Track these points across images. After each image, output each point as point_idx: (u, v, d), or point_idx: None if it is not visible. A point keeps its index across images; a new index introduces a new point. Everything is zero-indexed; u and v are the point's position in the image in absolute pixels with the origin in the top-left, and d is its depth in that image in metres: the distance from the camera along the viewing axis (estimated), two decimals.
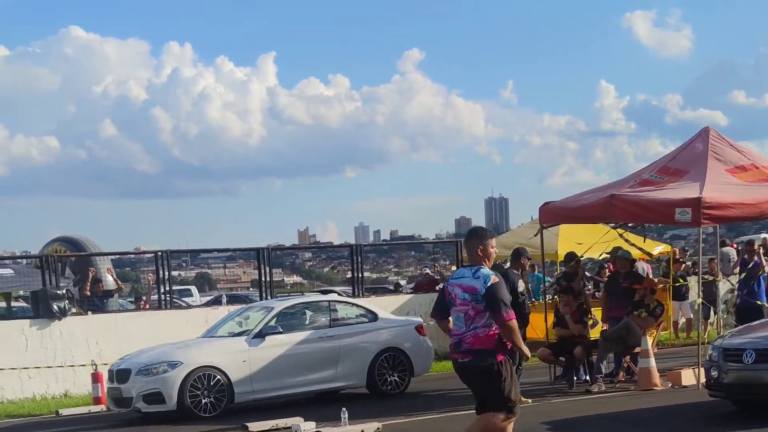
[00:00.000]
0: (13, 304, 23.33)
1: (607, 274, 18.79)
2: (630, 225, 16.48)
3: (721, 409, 11.28)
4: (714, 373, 10.95)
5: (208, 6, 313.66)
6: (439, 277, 24.22)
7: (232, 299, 28.54)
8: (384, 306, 18.06)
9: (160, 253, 19.63)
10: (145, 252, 25.39)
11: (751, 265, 16.77)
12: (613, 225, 16.21)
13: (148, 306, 20.55)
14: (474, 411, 8.25)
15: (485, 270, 8.04)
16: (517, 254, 14.04)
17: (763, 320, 12.71)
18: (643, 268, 18.04)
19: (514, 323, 7.91)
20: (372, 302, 18.17)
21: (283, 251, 47.98)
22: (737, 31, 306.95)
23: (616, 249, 16.17)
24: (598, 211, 14.53)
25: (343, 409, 11.65)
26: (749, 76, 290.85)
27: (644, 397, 13.20)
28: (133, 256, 30.31)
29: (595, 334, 15.55)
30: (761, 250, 17.27)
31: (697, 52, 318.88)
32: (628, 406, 12.49)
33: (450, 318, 8.40)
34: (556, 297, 21.03)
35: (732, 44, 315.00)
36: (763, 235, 26.51)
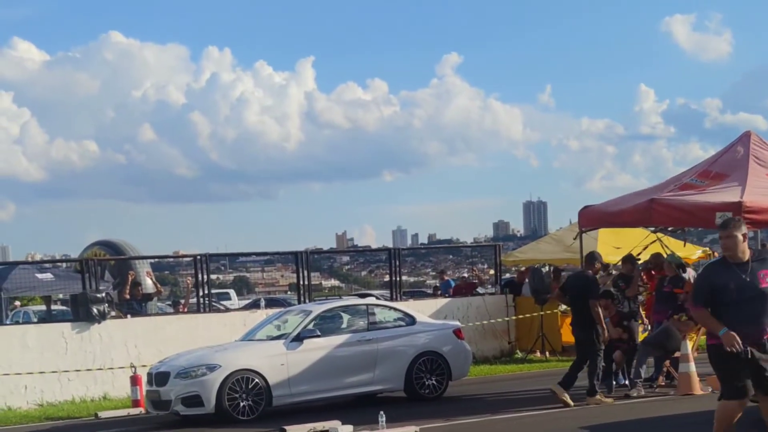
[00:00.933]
0: (53, 307, 23.61)
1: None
2: (670, 229, 16.33)
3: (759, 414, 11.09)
4: None
5: (248, 10, 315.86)
6: (477, 281, 24.16)
7: (270, 303, 28.68)
8: (422, 310, 18.03)
9: (198, 257, 19.74)
10: (184, 255, 25.54)
11: None
12: (652, 229, 16.08)
13: (186, 309, 20.67)
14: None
15: None
16: (592, 258, 14.05)
17: None
18: (691, 273, 17.87)
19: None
20: (410, 306, 18.15)
21: (321, 255, 48.18)
22: None
23: (657, 254, 16.03)
24: (638, 215, 14.43)
25: (381, 412, 11.64)
26: None
27: (684, 402, 13.07)
28: (172, 259, 30.50)
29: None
30: None
31: (737, 56, 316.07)
32: (667, 411, 12.37)
33: None
34: None
35: None
36: None
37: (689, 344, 14.09)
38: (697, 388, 13.74)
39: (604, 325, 13.52)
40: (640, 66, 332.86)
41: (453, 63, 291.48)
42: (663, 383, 14.64)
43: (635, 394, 13.95)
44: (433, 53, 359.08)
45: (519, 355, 21.07)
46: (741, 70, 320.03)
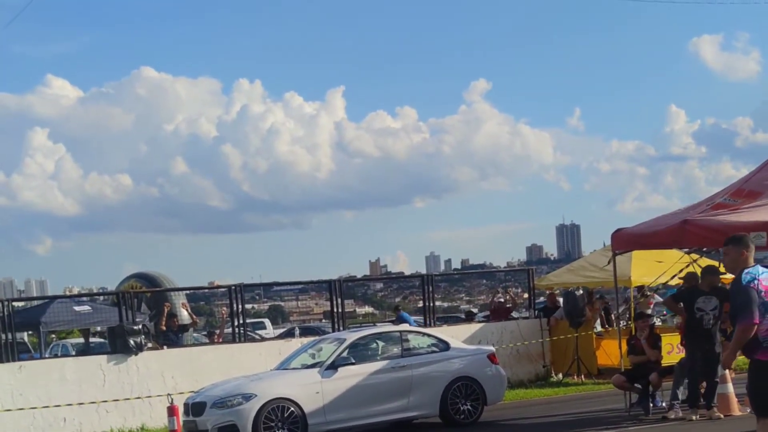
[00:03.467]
0: (91, 340, 23.83)
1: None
2: (705, 249, 16.22)
3: None
4: None
5: (278, 41, 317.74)
6: (511, 305, 24.11)
7: (305, 331, 28.79)
8: (455, 335, 18.02)
9: (233, 287, 19.85)
10: (219, 286, 25.66)
11: None
12: (687, 250, 15.98)
13: (221, 339, 20.78)
14: None
15: None
16: (713, 270, 14.09)
17: None
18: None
19: None
20: (443, 331, 18.14)
21: (355, 282, 48.19)
22: None
23: (692, 274, 15.92)
24: (671, 236, 14.32)
25: None
26: None
27: (723, 424, 12.97)
28: (207, 290, 30.66)
29: (670, 360, 15.33)
30: None
31: (765, 75, 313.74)
32: None
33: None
34: (630, 322, 20.86)
35: None
36: None
37: None
38: (736, 409, 13.62)
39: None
40: (670, 87, 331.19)
41: (481, 89, 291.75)
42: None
43: (673, 416, 13.84)
44: (461, 80, 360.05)
45: (554, 378, 20.97)
46: None
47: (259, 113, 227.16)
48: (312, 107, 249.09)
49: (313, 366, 14.88)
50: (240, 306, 19.74)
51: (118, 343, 17.91)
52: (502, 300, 24.42)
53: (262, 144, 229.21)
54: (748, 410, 13.44)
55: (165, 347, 18.88)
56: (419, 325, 20.71)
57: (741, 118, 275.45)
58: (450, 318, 34.51)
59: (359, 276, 69.18)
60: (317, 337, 17.84)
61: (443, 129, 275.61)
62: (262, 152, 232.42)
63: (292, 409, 14.00)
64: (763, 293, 8.26)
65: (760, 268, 8.59)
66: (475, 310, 38.34)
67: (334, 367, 14.54)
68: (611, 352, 19.19)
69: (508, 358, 20.49)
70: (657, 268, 17.95)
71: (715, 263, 16.50)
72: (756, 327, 8.26)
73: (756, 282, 8.32)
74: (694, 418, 13.62)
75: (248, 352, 18.80)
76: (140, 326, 18.15)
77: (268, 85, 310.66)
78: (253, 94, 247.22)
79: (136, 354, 17.72)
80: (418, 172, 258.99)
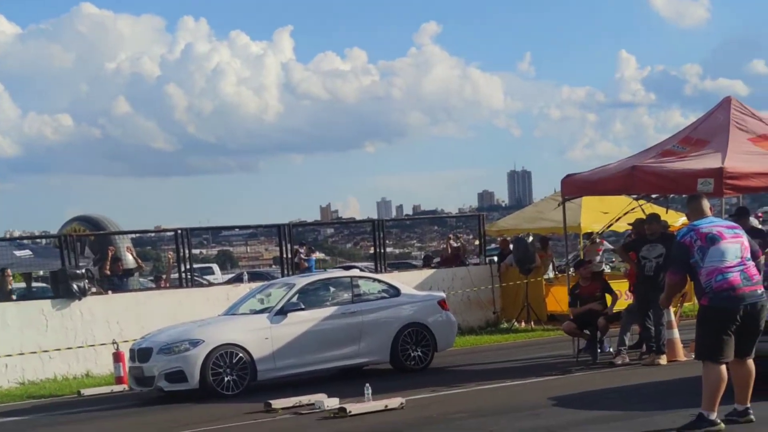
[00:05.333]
0: (33, 284, 23.39)
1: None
2: (653, 196, 16.29)
3: (676, 389, 10.95)
4: None
5: None
6: (462, 252, 24.09)
7: (254, 276, 28.54)
8: (406, 281, 17.97)
9: (180, 231, 19.59)
10: (165, 230, 25.35)
11: None
12: (635, 197, 16.04)
13: (168, 284, 20.53)
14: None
15: None
16: (656, 218, 14.11)
17: None
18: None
19: None
20: (394, 277, 18.07)
21: (305, 227, 47.86)
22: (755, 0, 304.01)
23: (640, 220, 15.96)
24: (620, 182, 14.39)
25: (367, 384, 11.59)
26: None
27: (667, 369, 13.04)
28: (153, 234, 30.34)
29: (619, 306, 15.40)
30: None
31: (714, 22, 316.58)
32: (650, 378, 12.32)
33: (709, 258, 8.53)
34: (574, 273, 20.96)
35: (750, 13, 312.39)
36: None
37: (672, 311, 14.05)
38: (681, 355, 13.73)
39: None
40: (620, 33, 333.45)
41: (431, 32, 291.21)
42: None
43: (620, 362, 13.91)
44: (411, 22, 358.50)
45: (504, 324, 21.04)
46: (719, 36, 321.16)
47: (204, 52, 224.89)
48: (259, 47, 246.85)
49: (262, 311, 14.72)
50: (187, 250, 19.46)
51: (60, 288, 17.63)
52: (455, 245, 24.40)
53: (207, 84, 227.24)
54: (693, 356, 13.60)
55: (110, 292, 18.61)
56: (372, 272, 20.61)
57: (690, 65, 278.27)
58: (402, 264, 34.49)
59: (310, 221, 68.93)
60: (266, 282, 17.67)
61: (393, 72, 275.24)
62: (207, 93, 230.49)
63: (241, 355, 13.85)
64: (698, 241, 8.54)
65: (708, 220, 8.75)
66: (430, 255, 38.34)
67: (283, 312, 14.40)
68: (561, 299, 19.29)
69: (459, 304, 20.51)
70: (606, 216, 18.03)
71: (663, 210, 16.63)
72: (677, 279, 8.83)
73: (691, 234, 8.63)
74: (644, 359, 13.75)
75: (195, 297, 18.60)
76: (84, 270, 17.84)
77: (213, 23, 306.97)
78: (198, 32, 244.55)
79: (80, 299, 17.45)
80: (368, 116, 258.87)
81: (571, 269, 18.18)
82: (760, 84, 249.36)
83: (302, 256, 23.14)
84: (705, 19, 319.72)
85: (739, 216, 15.25)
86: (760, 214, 23.01)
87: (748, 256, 8.69)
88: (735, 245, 8.62)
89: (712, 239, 8.54)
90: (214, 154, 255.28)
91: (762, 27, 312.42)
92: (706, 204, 9.07)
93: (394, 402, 11.47)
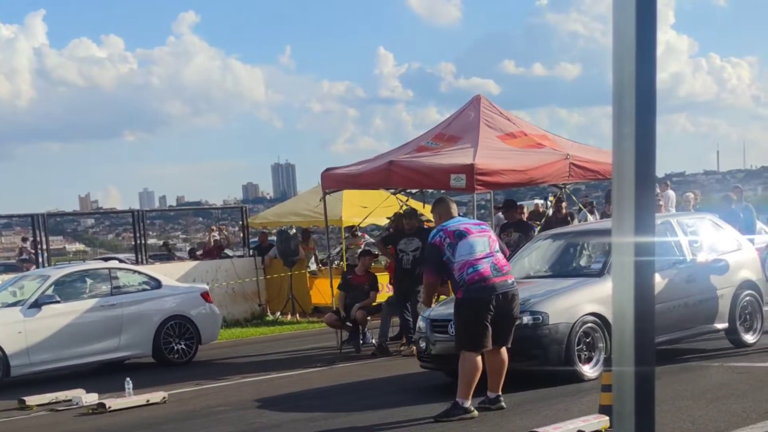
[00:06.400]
0: None
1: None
2: (414, 192, 16.83)
3: (436, 380, 11.15)
4: (423, 345, 10.82)
5: None
6: (225, 243, 24.11)
7: (9, 269, 27.41)
8: (169, 273, 17.84)
9: None
10: None
11: None
12: (393, 191, 16.52)
13: None
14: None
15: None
16: (412, 213, 14.49)
17: None
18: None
19: None
20: (156, 269, 17.89)
21: (63, 217, 46.36)
22: (505, 0, 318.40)
23: (399, 214, 16.52)
24: (378, 177, 14.73)
25: (128, 379, 11.46)
26: (518, 46, 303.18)
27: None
28: None
29: (380, 298, 15.85)
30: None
31: (467, 22, 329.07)
32: (410, 369, 12.73)
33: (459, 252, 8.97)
34: (342, 263, 21.43)
35: (501, 14, 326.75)
36: (535, 201, 27.76)
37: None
38: None
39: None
40: (378, 29, 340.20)
41: (190, 21, 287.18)
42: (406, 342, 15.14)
43: (380, 353, 14.32)
44: (169, 10, 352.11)
45: (270, 317, 21.24)
46: (472, 36, 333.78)
47: None
48: (9, 30, 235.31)
49: (14, 304, 14.24)
50: None
51: None
52: (217, 237, 24.37)
53: None
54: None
55: None
56: (133, 263, 20.29)
57: (444, 63, 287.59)
58: (165, 256, 34.01)
59: (68, 211, 66.63)
60: (18, 274, 17.09)
61: (152, 60, 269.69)
62: None
63: None
64: (447, 239, 9.03)
65: (455, 220, 9.30)
66: (194, 248, 37.97)
67: (37, 305, 14.01)
68: (324, 291, 19.64)
69: (224, 296, 20.53)
70: (365, 210, 18.49)
71: (419, 205, 17.28)
72: (432, 279, 9.31)
73: (440, 234, 9.13)
74: (403, 351, 14.24)
75: None
76: None
77: None
78: None
79: None
80: (127, 104, 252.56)
81: (336, 261, 18.56)
82: (510, 84, 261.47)
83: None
84: (458, 18, 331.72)
85: (507, 208, 16.16)
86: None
87: (497, 248, 9.19)
88: (482, 238, 9.13)
89: (460, 235, 9.03)
90: None
91: (512, 28, 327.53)
92: (452, 206, 9.57)
93: (156, 396, 11.44)
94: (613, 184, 1.71)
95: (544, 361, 10.17)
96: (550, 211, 18.38)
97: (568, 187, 17.12)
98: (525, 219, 16.77)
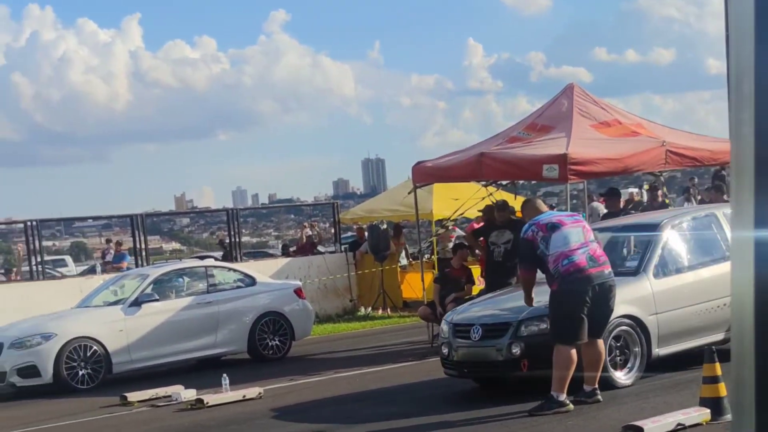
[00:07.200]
0: None
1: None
2: (502, 183, 16.69)
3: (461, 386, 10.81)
4: (445, 351, 10.29)
5: None
6: (317, 240, 24.26)
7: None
8: (262, 270, 17.99)
9: (29, 223, 19.12)
10: (14, 222, 24.66)
11: None
12: (484, 183, 16.40)
13: (19, 278, 20.01)
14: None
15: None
16: (504, 205, 14.38)
17: (494, 294, 11.70)
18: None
19: None
20: (250, 266, 18.09)
21: (160, 217, 47.23)
22: None
23: (489, 207, 16.40)
24: (469, 169, 14.62)
25: (224, 375, 11.61)
26: (610, 33, 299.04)
27: None
28: (3, 226, 29.42)
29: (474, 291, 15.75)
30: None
31: (556, 10, 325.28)
32: None
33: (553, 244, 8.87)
34: (433, 257, 21.38)
35: (591, 1, 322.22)
36: (630, 190, 27.30)
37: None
38: None
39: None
40: (467, 20, 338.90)
41: (280, 20, 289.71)
42: None
43: None
44: (260, 10, 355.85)
45: (361, 312, 21.31)
46: (562, 24, 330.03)
47: (50, 40, 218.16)
48: (107, 35, 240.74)
49: (115, 303, 14.57)
50: (38, 242, 19.04)
51: None
52: (310, 234, 24.53)
53: (55, 73, 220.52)
54: None
55: None
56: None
57: (534, 53, 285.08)
58: (258, 253, 34.41)
59: (164, 211, 67.89)
60: (119, 274, 17.45)
61: (243, 60, 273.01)
62: (54, 81, 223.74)
63: (95, 347, 13.70)
64: (540, 232, 8.92)
65: (546, 213, 9.23)
66: (287, 244, 38.33)
67: (137, 303, 14.29)
68: (415, 285, 19.64)
69: (316, 292, 20.66)
70: (456, 203, 18.39)
71: (510, 196, 17.11)
72: (528, 275, 9.15)
73: (532, 228, 9.02)
74: None
75: (47, 290, 18.19)
76: None
77: (59, 10, 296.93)
78: (44, 20, 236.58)
79: None
80: (219, 104, 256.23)
81: (426, 255, 18.52)
82: (602, 71, 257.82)
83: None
84: (547, 6, 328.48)
85: (610, 196, 15.86)
86: (603, 200, 23.88)
87: (592, 237, 9.05)
88: (576, 229, 8.98)
89: (553, 227, 8.90)
90: (64, 143, 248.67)
91: (603, 15, 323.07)
92: (540, 203, 9.55)
93: (252, 392, 11.56)
94: (732, 173, 1.61)
95: (575, 368, 9.27)
96: (646, 199, 18.06)
97: (663, 174, 16.77)
98: (622, 208, 16.52)
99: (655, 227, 10.58)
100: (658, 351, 9.93)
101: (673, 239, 10.53)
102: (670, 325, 10.00)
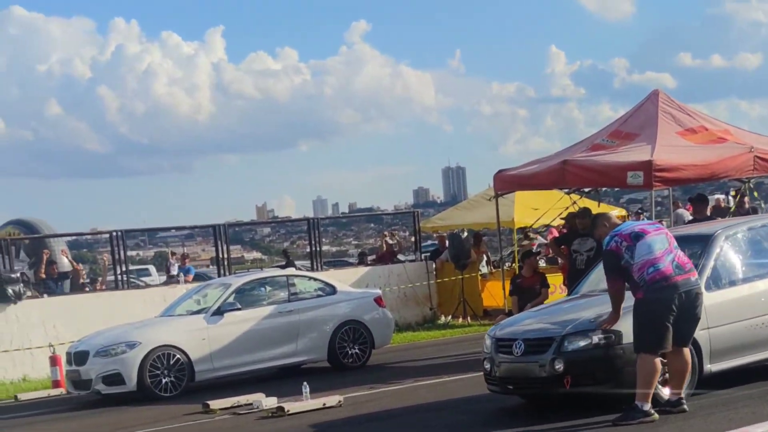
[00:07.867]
0: None
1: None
2: (584, 190, 16.52)
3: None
4: (487, 366, 9.94)
5: None
6: (397, 248, 24.24)
7: (197, 278, 28.37)
8: (343, 279, 18.04)
9: (114, 233, 19.44)
10: (100, 232, 25.13)
11: None
12: (567, 191, 16.24)
13: (104, 287, 20.36)
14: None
15: None
16: (586, 213, 14.10)
17: (538, 308, 11.41)
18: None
19: None
20: (330, 275, 18.13)
21: (242, 227, 47.78)
22: None
23: (572, 214, 16.21)
24: (551, 177, 14.53)
25: (305, 383, 11.63)
26: (695, 37, 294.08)
27: None
28: (89, 237, 30.03)
29: (554, 299, 15.57)
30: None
31: (640, 16, 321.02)
32: None
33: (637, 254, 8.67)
34: (514, 265, 21.20)
35: (676, 6, 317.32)
36: (716, 196, 26.72)
37: None
38: None
39: None
40: (549, 27, 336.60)
41: (361, 30, 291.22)
42: None
43: None
44: (341, 21, 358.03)
45: (441, 320, 21.22)
46: (645, 30, 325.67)
47: (135, 53, 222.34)
48: (190, 47, 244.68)
49: (198, 312, 14.72)
50: (122, 252, 19.36)
51: None
52: (390, 242, 24.51)
53: (139, 85, 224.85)
54: None
55: (45, 295, 18.42)
56: (308, 270, 20.64)
57: (617, 59, 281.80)
58: (338, 262, 34.55)
59: (246, 221, 68.69)
60: (202, 283, 17.64)
61: (324, 70, 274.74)
62: (139, 94, 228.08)
63: (178, 356, 13.85)
64: (624, 242, 8.72)
65: (627, 223, 9.09)
66: (365, 253, 38.43)
67: (220, 312, 14.41)
68: (496, 294, 19.50)
69: (396, 301, 20.64)
70: (538, 211, 18.24)
71: (594, 204, 16.90)
72: (617, 286, 8.83)
73: (615, 239, 8.81)
74: None
75: (132, 299, 18.50)
76: (19, 274, 17.65)
77: (144, 24, 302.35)
78: (129, 33, 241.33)
79: (15, 303, 17.26)
80: (300, 115, 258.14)
81: (507, 263, 18.40)
82: (687, 77, 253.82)
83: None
84: (630, 13, 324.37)
85: (698, 202, 15.51)
86: (689, 207, 23.40)
87: (676, 244, 8.86)
88: (660, 236, 8.80)
89: (637, 236, 8.72)
90: (148, 155, 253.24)
91: (688, 20, 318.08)
92: (614, 216, 9.38)
93: (332, 400, 11.55)
94: None
95: (618, 385, 8.95)
96: (733, 206, 17.68)
97: (751, 181, 16.41)
98: (709, 215, 16.16)
99: (708, 238, 10.11)
100: (710, 367, 9.47)
101: (727, 250, 10.01)
102: (724, 341, 9.53)
